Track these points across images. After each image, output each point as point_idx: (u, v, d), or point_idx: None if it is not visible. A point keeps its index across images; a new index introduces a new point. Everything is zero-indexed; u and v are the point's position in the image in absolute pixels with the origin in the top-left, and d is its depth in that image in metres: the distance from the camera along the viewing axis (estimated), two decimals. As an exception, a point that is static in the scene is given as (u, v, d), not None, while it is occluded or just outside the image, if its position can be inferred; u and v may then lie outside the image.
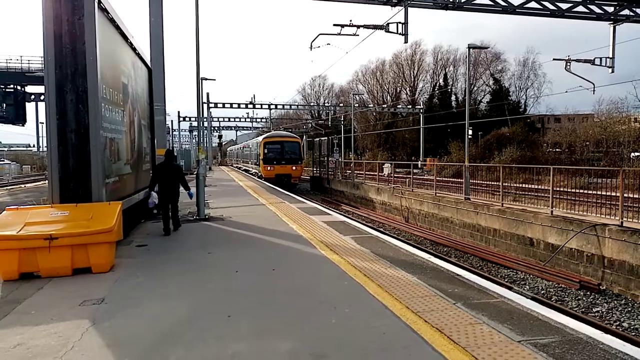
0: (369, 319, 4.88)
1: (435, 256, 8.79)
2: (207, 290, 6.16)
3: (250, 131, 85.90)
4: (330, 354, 4.08)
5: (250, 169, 43.48)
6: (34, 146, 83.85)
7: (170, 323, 4.90)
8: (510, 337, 4.28)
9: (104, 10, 8.56)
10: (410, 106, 66.16)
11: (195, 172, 13.76)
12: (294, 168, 33.70)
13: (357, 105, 55.54)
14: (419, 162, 46.09)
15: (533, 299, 7.73)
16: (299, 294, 5.91)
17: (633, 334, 8.55)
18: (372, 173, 31.26)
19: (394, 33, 18.68)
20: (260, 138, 37.81)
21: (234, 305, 5.44)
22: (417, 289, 5.84)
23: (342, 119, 60.59)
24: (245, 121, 75.04)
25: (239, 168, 57.19)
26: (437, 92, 71.36)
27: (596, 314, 9.67)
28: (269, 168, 33.11)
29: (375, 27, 19.63)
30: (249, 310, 5.28)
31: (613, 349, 4.02)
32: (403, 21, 18.46)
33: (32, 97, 45.37)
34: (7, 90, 41.56)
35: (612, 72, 21.52)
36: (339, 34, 20.87)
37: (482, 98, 70.73)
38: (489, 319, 4.76)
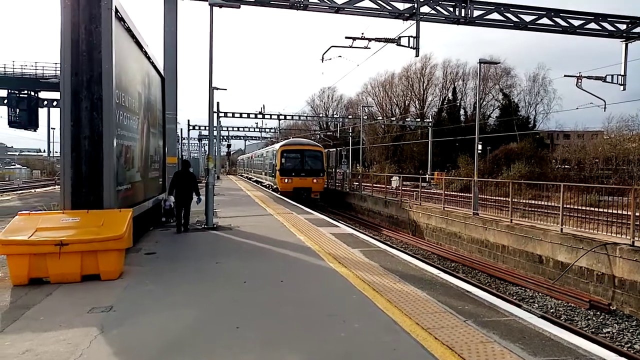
0: (378, 334, 4.84)
1: (445, 272, 8.72)
2: (215, 300, 6.14)
3: (259, 141, 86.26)
4: (339, 369, 4.04)
5: (263, 181, 38.41)
6: (44, 151, 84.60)
7: (179, 332, 4.88)
8: (522, 357, 4.22)
9: (120, 19, 8.68)
10: (418, 119, 66.21)
11: (205, 181, 13.81)
12: (314, 181, 29.19)
13: (365, 117, 55.59)
14: (427, 176, 45.97)
15: (542, 317, 7.63)
16: (308, 306, 5.87)
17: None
18: (379, 186, 31.20)
19: (405, 47, 18.77)
20: (277, 146, 32.58)
21: (242, 316, 5.41)
22: (426, 305, 5.78)
23: (351, 130, 60.71)
24: (254, 131, 75.28)
25: (250, 179, 53.29)
26: (446, 105, 71.48)
27: (607, 334, 9.51)
28: (286, 180, 28.76)
29: (387, 40, 19.74)
30: (257, 322, 5.25)
31: (627, 372, 3.95)
32: (414, 35, 18.55)
33: (45, 102, 45.86)
34: (20, 95, 42.03)
35: (624, 89, 21.45)
36: (351, 47, 21.00)
37: (491, 113, 70.79)
38: (501, 337, 4.70)
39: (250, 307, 5.83)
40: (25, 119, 42.18)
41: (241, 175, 68.89)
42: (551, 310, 10.77)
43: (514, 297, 11.71)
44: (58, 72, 39.62)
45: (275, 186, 30.39)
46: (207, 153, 14.91)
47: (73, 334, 4.77)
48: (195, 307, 5.80)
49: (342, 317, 5.35)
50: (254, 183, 43.47)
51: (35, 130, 46.96)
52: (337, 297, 6.28)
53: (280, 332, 4.95)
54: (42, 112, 47.37)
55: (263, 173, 39.32)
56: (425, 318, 5.28)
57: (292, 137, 39.13)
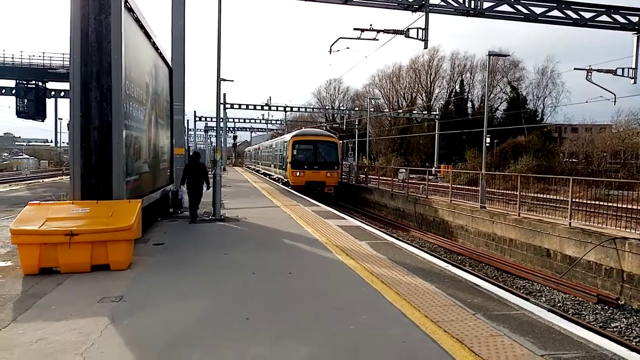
0: (387, 327, 4.84)
1: (452, 265, 8.70)
2: (224, 291, 6.16)
3: (265, 133, 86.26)
4: (349, 361, 4.05)
5: (272, 174, 36.39)
6: (52, 142, 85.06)
7: (189, 323, 4.91)
8: (532, 351, 4.21)
9: (129, 9, 8.66)
10: (425, 112, 65.86)
11: (212, 173, 13.86)
12: (328, 175, 27.15)
13: (372, 109, 55.37)
14: (433, 169, 45.82)
15: (551, 311, 7.61)
16: (316, 298, 5.89)
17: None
18: (386, 178, 31.12)
19: (414, 38, 18.63)
20: (288, 136, 30.45)
21: (252, 308, 5.43)
22: (435, 298, 5.78)
23: (357, 123, 60.56)
24: (261, 123, 75.35)
25: (257, 171, 50.60)
26: (453, 98, 71.05)
27: (615, 329, 9.49)
28: (298, 174, 26.84)
29: (396, 32, 19.60)
30: (266, 313, 5.26)
31: (639, 368, 3.93)
32: (423, 27, 18.40)
33: (52, 93, 46.03)
34: (28, 86, 42.19)
35: (635, 82, 21.21)
36: (359, 38, 20.88)
37: (499, 106, 70.32)
38: (510, 331, 4.69)
39: (259, 298, 5.85)
40: (33, 109, 42.37)
41: (248, 167, 67.54)
42: (559, 304, 10.74)
43: (521, 291, 11.69)
44: (66, 63, 39.90)
45: (285, 180, 28.57)
46: (214, 145, 15.01)
47: (84, 323, 4.81)
48: (204, 298, 5.83)
49: (350, 310, 5.36)
50: (262, 176, 41.90)
51: (43, 121, 47.23)
52: (346, 289, 6.29)
53: (289, 324, 4.96)
54: (50, 103, 47.63)
55: (272, 165, 37.12)
56: (434, 311, 5.27)
57: (299, 129, 35.82)
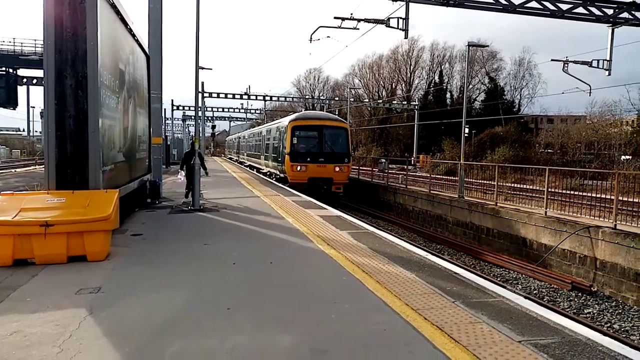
0: (369, 315, 4.87)
1: (432, 254, 8.80)
2: (205, 281, 6.11)
3: (244, 122, 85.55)
4: (331, 350, 4.06)
5: (262, 167, 30.39)
6: (24, 130, 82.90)
7: (169, 314, 4.86)
8: (510, 337, 4.29)
9: (105, -5, 8.42)
10: (405, 102, 66.22)
11: (192, 162, 13.68)
12: (337, 169, 21.59)
13: (352, 99, 55.39)
14: (412, 159, 46.19)
15: (527, 298, 7.77)
16: (298, 288, 5.89)
17: (623, 335, 8.64)
18: (365, 168, 31.24)
19: (395, 28, 18.66)
20: (285, 120, 24.22)
21: (233, 298, 5.40)
22: (415, 286, 5.84)
23: (337, 112, 60.55)
24: (240, 112, 74.70)
25: (241, 163, 45.00)
26: (432, 89, 71.57)
27: (587, 315, 9.76)
28: (298, 168, 21.30)
29: (376, 21, 19.59)
30: (248, 303, 5.25)
31: (612, 352, 4.04)
32: (404, 16, 18.42)
33: (24, 80, 44.77)
34: (-2, 72, 40.97)
35: (609, 74, 21.67)
36: (340, 27, 20.81)
37: (477, 96, 71.11)
38: (489, 318, 4.77)
39: (240, 288, 5.82)
40: (4, 96, 41.16)
41: (230, 159, 64.10)
42: (534, 292, 11.00)
43: (498, 279, 11.92)
44: (38, 49, 38.87)
45: (281, 175, 23.16)
46: (192, 134, 14.91)
47: (61, 315, 4.72)
48: (184, 288, 5.78)
49: (332, 299, 5.38)
50: (247, 169, 36.67)
51: (14, 109, 45.96)
52: (327, 278, 6.31)
53: (270, 313, 4.95)
54: (22, 90, 46.36)
55: (262, 157, 30.41)
56: (415, 299, 5.33)
57: (285, 115, 29.68)
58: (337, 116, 28.33)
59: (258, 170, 32.14)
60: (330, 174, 21.39)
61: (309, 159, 21.43)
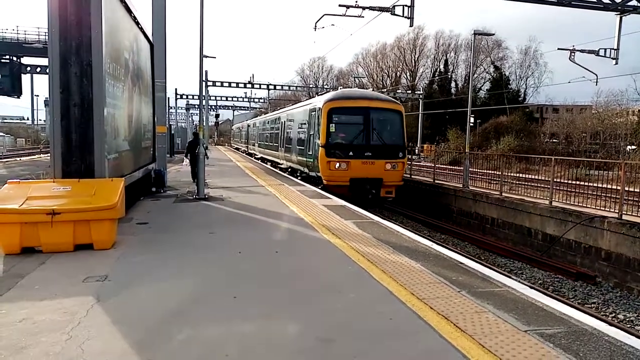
0: (374, 304, 4.89)
1: (437, 244, 8.79)
2: (211, 270, 6.14)
3: (247, 111, 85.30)
4: (337, 339, 4.08)
5: (280, 161, 24.55)
6: (28, 119, 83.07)
7: (175, 302, 4.88)
8: (516, 327, 4.30)
9: (109, -18, 8.37)
10: (409, 91, 65.82)
11: (197, 152, 13.69)
12: (389, 167, 16.48)
13: (356, 88, 55.06)
14: (417, 148, 46.03)
15: (532, 288, 7.78)
16: (304, 277, 5.91)
17: (628, 325, 8.65)
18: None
19: (400, 16, 18.49)
20: (317, 101, 18.12)
21: (239, 287, 5.43)
22: (421, 276, 5.85)
23: (341, 102, 60.06)
24: (243, 101, 74.41)
25: (251, 155, 39.81)
26: (437, 77, 71.08)
27: (592, 305, 9.76)
28: (337, 165, 16.08)
29: (382, 9, 19.42)
30: (254, 292, 5.27)
31: (618, 341, 4.04)
32: (409, 4, 18.24)
33: (28, 68, 44.72)
34: (2, 61, 40.90)
35: (616, 63, 21.42)
36: (344, 15, 20.63)
37: (482, 86, 70.60)
38: (495, 307, 4.77)
39: (246, 277, 5.85)
40: (8, 85, 41.21)
41: (237, 149, 59.09)
42: (539, 282, 11.00)
43: (503, 269, 11.92)
44: (41, 37, 38.74)
45: (313, 174, 17.59)
46: (196, 123, 14.89)
47: (69, 302, 4.75)
48: (190, 277, 5.80)
49: (338, 288, 5.39)
50: (258, 161, 31.16)
51: (18, 97, 46.06)
52: (333, 268, 6.32)
53: (277, 302, 4.97)
54: (26, 79, 46.40)
55: (282, 150, 23.81)
56: (421, 288, 5.33)
57: (326, 93, 21.92)
58: (385, 95, 21.29)
59: (274, 164, 26.49)
60: (379, 173, 16.35)
61: (351, 153, 16.22)
